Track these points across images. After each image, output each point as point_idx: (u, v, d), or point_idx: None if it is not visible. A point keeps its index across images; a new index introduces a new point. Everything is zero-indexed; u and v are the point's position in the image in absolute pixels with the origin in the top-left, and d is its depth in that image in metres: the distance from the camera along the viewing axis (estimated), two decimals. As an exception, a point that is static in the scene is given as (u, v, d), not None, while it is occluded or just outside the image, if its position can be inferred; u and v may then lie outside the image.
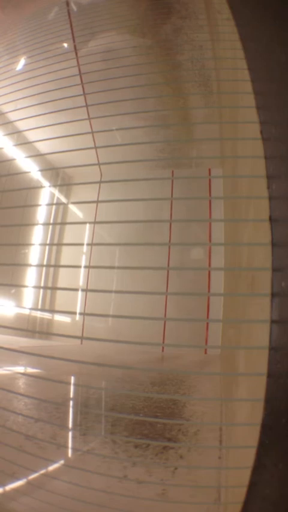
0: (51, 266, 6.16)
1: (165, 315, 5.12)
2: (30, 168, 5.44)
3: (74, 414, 1.58)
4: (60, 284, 5.92)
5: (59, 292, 5.96)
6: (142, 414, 1.55)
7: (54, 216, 6.24)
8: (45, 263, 6.02)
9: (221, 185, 3.31)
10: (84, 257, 5.75)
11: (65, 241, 6.20)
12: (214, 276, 4.75)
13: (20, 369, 2.57)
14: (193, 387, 2.33)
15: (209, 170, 5.14)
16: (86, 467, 1.03)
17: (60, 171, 6.03)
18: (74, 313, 5.73)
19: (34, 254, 5.97)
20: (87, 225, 5.71)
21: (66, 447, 1.21)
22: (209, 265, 4.63)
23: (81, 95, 1.86)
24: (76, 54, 2.68)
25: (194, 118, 4.43)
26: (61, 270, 6.17)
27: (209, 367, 3.48)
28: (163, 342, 5.20)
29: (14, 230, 5.01)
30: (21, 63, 2.44)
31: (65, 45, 2.52)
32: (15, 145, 4.44)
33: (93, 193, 5.10)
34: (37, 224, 6.34)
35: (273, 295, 0.53)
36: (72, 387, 2.08)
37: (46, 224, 6.36)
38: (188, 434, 1.32)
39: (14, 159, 4.54)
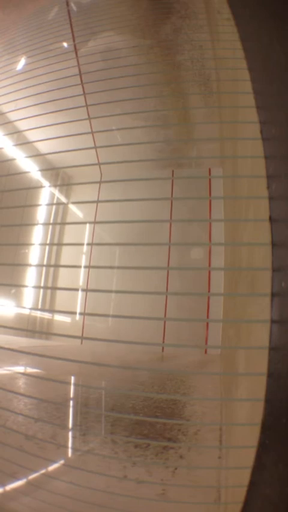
0: (51, 266, 6.16)
1: (165, 315, 5.12)
2: (30, 168, 5.44)
3: (74, 414, 1.58)
4: (60, 284, 5.92)
5: (59, 292, 5.96)
6: (142, 414, 1.55)
7: (54, 216, 6.24)
8: (45, 263, 6.01)
9: (221, 185, 3.31)
10: (84, 257, 5.75)
11: (65, 241, 6.20)
12: (214, 276, 4.75)
13: (20, 369, 2.57)
14: (193, 387, 2.33)
15: (209, 170, 5.14)
16: (86, 467, 1.03)
17: (60, 171, 6.03)
18: (74, 313, 5.73)
19: (34, 254, 5.97)
20: (87, 225, 5.71)
21: (66, 447, 1.21)
22: (209, 265, 4.63)
23: (81, 95, 1.86)
24: (76, 54, 2.68)
25: (194, 118, 4.43)
26: (61, 270, 6.17)
27: (209, 367, 3.48)
28: (163, 342, 5.20)
29: (14, 230, 5.01)
30: (21, 63, 2.44)
31: (65, 44, 2.52)
32: (15, 145, 4.44)
33: (93, 193, 5.10)
34: (37, 224, 6.34)
35: (273, 295, 0.53)
36: (72, 387, 2.08)
37: (46, 224, 6.36)
38: (188, 434, 1.32)
39: (14, 159, 4.54)
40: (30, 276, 5.95)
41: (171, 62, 3.27)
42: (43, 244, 6.39)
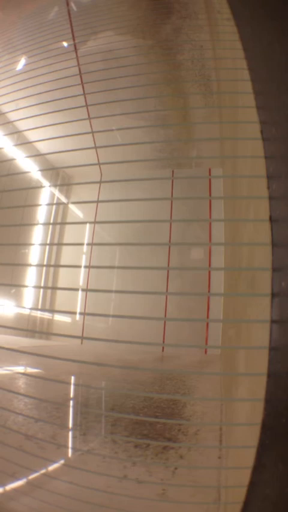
0: (51, 266, 6.16)
1: (165, 315, 5.12)
2: (30, 168, 5.44)
3: (74, 414, 1.58)
4: (60, 284, 5.92)
5: (59, 292, 5.96)
6: (142, 414, 1.55)
7: (54, 216, 6.25)
8: (45, 263, 6.02)
9: (221, 185, 3.32)
10: (84, 257, 5.75)
11: (65, 241, 6.21)
12: (214, 276, 4.75)
13: (20, 369, 2.57)
14: (193, 387, 2.33)
15: (209, 170, 5.14)
16: (86, 467, 1.03)
17: (60, 171, 6.03)
18: (74, 313, 5.73)
19: (34, 254, 5.97)
20: (87, 225, 5.71)
21: (66, 447, 1.21)
22: (209, 265, 4.63)
23: (81, 95, 1.86)
24: (76, 53, 2.68)
25: (194, 118, 4.43)
26: (61, 270, 6.18)
27: (209, 367, 3.48)
28: (163, 342, 5.20)
29: (14, 230, 5.01)
30: (21, 62, 2.44)
31: (65, 44, 2.52)
32: (15, 145, 4.44)
33: (93, 193, 5.10)
34: (37, 224, 6.34)
35: (273, 295, 0.53)
36: (72, 387, 2.08)
37: (46, 224, 6.36)
38: (188, 434, 1.32)
39: (14, 159, 4.54)
40: (30, 276, 5.95)
41: (171, 62, 3.27)
42: (43, 244, 6.39)
